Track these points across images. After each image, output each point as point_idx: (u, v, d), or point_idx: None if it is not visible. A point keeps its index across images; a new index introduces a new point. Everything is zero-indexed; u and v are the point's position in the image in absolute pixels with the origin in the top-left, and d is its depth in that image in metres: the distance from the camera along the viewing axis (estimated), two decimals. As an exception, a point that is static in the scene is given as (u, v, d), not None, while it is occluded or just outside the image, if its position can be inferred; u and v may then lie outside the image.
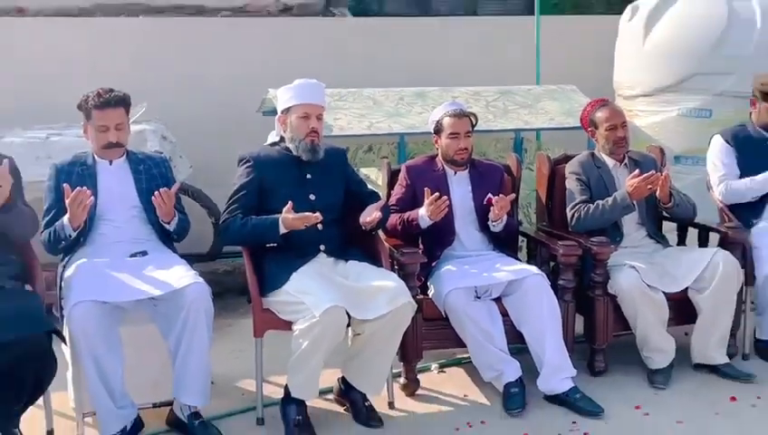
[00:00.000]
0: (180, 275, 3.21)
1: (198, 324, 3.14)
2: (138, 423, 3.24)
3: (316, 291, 3.19)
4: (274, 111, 5.23)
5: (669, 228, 4.29)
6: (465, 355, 3.97)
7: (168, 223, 3.41)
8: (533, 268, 3.66)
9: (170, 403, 3.31)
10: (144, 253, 3.37)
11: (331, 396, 3.59)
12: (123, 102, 3.41)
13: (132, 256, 3.34)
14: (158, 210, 3.34)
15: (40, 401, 3.19)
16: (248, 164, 3.53)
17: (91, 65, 5.42)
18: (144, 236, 3.43)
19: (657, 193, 3.86)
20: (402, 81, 5.30)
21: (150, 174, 3.51)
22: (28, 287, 3.26)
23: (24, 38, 5.59)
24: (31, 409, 3.18)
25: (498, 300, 3.66)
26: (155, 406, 3.37)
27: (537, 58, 5.78)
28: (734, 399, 3.59)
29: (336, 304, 3.13)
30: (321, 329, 3.11)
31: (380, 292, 3.27)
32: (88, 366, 3.07)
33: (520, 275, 3.60)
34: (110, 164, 3.45)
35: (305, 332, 3.13)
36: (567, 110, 5.01)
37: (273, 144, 3.70)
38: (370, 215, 3.44)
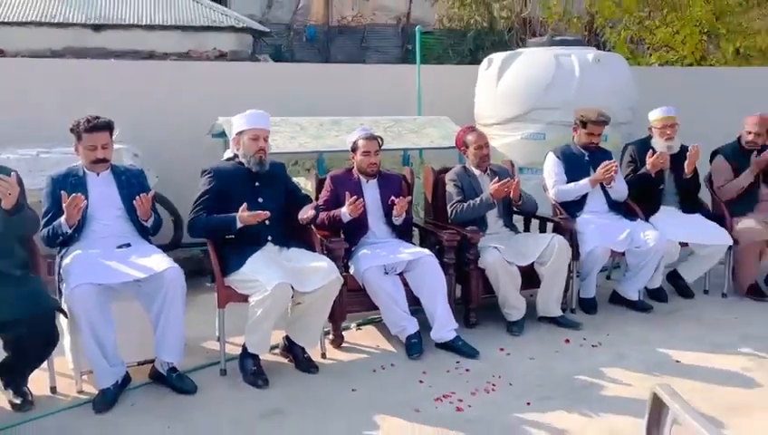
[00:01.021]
0: (159, 261, 3.14)
1: (175, 299, 3.08)
2: (126, 378, 3.14)
3: (267, 271, 3.18)
4: (221, 134, 5.22)
5: (517, 220, 4.49)
6: (377, 316, 4.04)
7: (146, 221, 3.32)
8: (426, 251, 3.74)
9: (152, 361, 3.23)
10: (128, 245, 3.26)
11: (277, 351, 3.57)
12: (108, 127, 3.29)
13: (119, 247, 3.23)
14: (139, 211, 3.25)
15: (45, 364, 3.06)
16: (209, 175, 3.48)
17: (63, 98, 5.16)
18: (127, 232, 3.32)
19: (511, 194, 4.02)
20: (314, 112, 5.29)
21: (130, 183, 3.39)
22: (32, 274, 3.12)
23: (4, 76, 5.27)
24: (37, 371, 3.05)
25: (401, 274, 3.72)
26: (140, 364, 3.28)
27: (419, 96, 5.89)
28: (567, 341, 3.80)
29: (283, 280, 3.13)
30: (272, 300, 3.11)
31: (316, 271, 3.29)
32: (86, 335, 2.96)
33: (417, 255, 3.68)
34: (98, 175, 3.33)
35: (259, 302, 3.13)
36: (443, 134, 5.12)
37: (229, 159, 3.65)
38: (306, 213, 3.46)
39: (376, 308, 3.71)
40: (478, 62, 5.87)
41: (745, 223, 4.46)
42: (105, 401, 2.99)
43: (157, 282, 3.07)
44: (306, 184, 4.42)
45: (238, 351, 3.37)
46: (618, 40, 10.30)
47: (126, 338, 3.13)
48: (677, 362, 3.53)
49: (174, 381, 3.14)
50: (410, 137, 5.04)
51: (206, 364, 3.46)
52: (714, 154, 4.82)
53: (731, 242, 4.42)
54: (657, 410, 1.83)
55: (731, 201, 4.62)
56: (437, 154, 5.26)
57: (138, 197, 3.20)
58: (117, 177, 3.38)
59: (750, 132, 4.64)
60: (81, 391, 3.14)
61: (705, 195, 4.82)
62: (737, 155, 4.67)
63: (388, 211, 3.90)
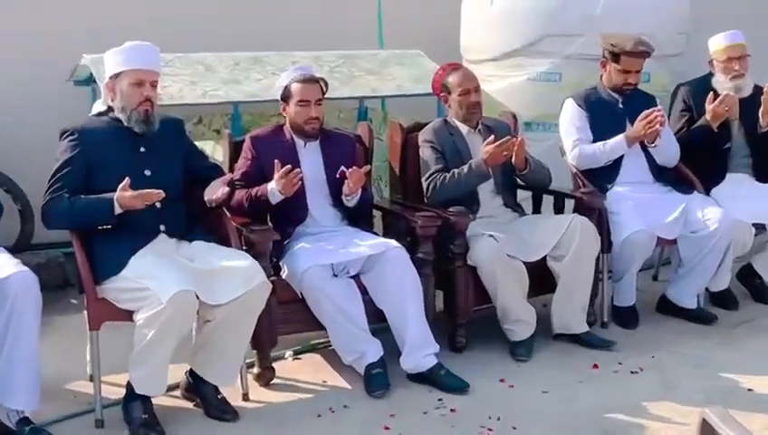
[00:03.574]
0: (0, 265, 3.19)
1: (26, 318, 3.12)
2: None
3: (160, 275, 3.24)
4: (88, 81, 5.25)
5: (523, 197, 4.63)
6: (320, 340, 4.16)
7: None
8: (392, 242, 3.84)
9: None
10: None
11: (177, 393, 3.63)
12: None
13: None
14: None
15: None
16: (72, 138, 3.50)
17: None
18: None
19: (513, 159, 4.14)
20: (231, 45, 5.33)
21: None
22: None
23: None
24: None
25: (356, 277, 3.82)
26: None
27: (379, 20, 5.99)
28: (596, 366, 3.94)
29: (184, 287, 3.19)
30: (169, 316, 3.16)
31: (231, 273, 3.36)
32: None
33: (379, 249, 3.78)
34: None
35: (151, 320, 3.18)
36: (415, 76, 5.23)
37: (100, 114, 3.69)
38: (216, 191, 3.50)
39: (320, 327, 3.81)
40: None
41: None
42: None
43: (-2, 293, 3.11)
44: (214, 150, 4.48)
45: (120, 393, 3.42)
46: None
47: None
48: (750, 390, 3.71)
49: (27, 438, 3.18)
50: (368, 80, 5.14)
51: (75, 413, 3.48)
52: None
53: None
54: (707, 443, 1.98)
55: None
56: (406, 104, 5.36)
57: None
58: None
59: None
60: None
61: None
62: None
63: (335, 187, 3.99)
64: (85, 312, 3.63)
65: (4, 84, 5.31)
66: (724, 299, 4.71)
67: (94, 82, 5.24)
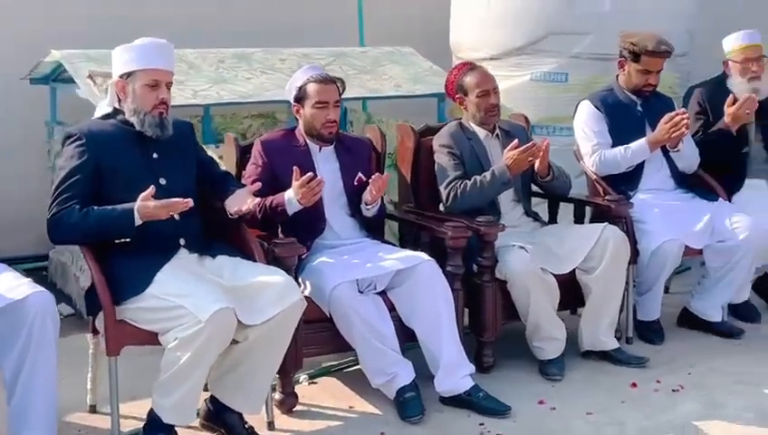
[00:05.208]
0: (13, 285, 3.16)
1: (44, 339, 3.10)
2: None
3: (195, 292, 3.25)
4: (47, 79, 5.20)
5: (534, 204, 4.75)
6: (334, 362, 4.21)
7: None
8: (424, 255, 3.91)
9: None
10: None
11: (196, 422, 3.63)
12: None
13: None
14: None
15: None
16: (79, 142, 3.47)
17: None
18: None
19: (536, 166, 4.28)
20: (208, 41, 5.36)
21: None
22: None
23: None
24: None
25: (382, 293, 3.89)
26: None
27: (360, 17, 6.06)
28: (634, 385, 4.08)
29: (224, 305, 3.20)
30: (208, 337, 3.17)
31: (267, 290, 3.37)
32: None
33: (409, 262, 3.84)
34: None
35: (187, 341, 3.17)
36: (412, 75, 5.34)
37: (106, 116, 3.67)
38: (242, 202, 3.52)
39: (346, 349, 3.86)
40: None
41: None
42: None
43: (12, 316, 3.08)
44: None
45: (129, 425, 3.43)
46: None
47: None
48: (801, 407, 3.91)
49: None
50: (363, 80, 5.21)
51: (85, 449, 3.49)
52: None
53: None
54: None
55: None
56: (391, 106, 5.44)
57: None
58: None
59: None
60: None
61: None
62: None
63: (354, 195, 4.06)
64: (88, 335, 3.67)
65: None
66: (746, 311, 4.91)
67: (54, 80, 5.22)
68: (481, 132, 4.43)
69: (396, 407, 3.79)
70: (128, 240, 3.41)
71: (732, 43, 5.05)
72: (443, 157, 4.36)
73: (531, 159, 4.20)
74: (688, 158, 4.82)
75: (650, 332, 4.65)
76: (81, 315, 3.65)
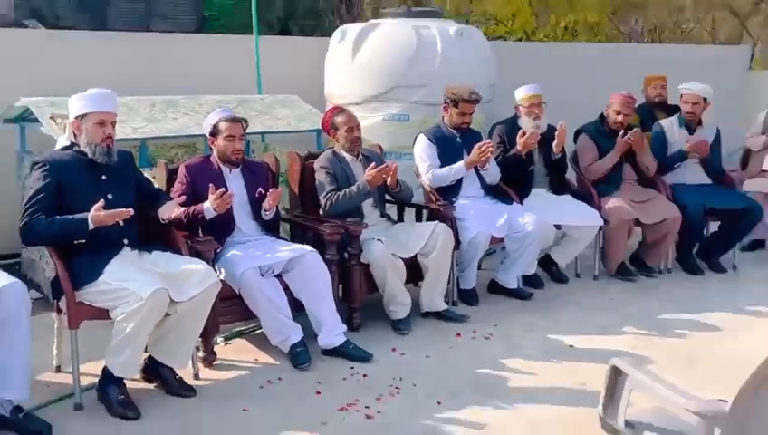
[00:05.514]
0: (-9, 277, 2.97)
1: (19, 321, 2.95)
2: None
3: (136, 277, 3.15)
4: (18, 119, 4.91)
5: (388, 208, 4.77)
6: (245, 327, 4.13)
7: None
8: (308, 247, 3.87)
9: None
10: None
11: (138, 376, 3.50)
12: None
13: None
14: None
15: None
16: (44, 168, 3.31)
17: None
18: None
19: (389, 181, 4.31)
20: (144, 90, 5.16)
21: None
22: None
23: None
24: None
25: (278, 276, 3.83)
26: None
27: (258, 71, 5.97)
28: (459, 335, 4.17)
29: (160, 286, 3.11)
30: (148, 310, 3.09)
31: (191, 275, 3.30)
32: None
33: (298, 253, 3.81)
34: None
35: (132, 314, 3.08)
36: (298, 116, 5.27)
37: (65, 148, 3.50)
38: (172, 211, 3.47)
39: (251, 317, 3.80)
40: (288, 32, 5.95)
41: (614, 202, 5.16)
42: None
43: (-7, 303, 2.90)
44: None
45: (87, 381, 3.30)
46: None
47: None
48: (571, 346, 4.05)
49: (25, 423, 2.98)
50: (262, 119, 5.12)
51: (55, 399, 3.30)
52: (577, 133, 5.50)
53: (602, 222, 5.10)
54: (612, 383, 2.22)
55: (598, 181, 5.31)
56: (283, 138, 5.39)
57: None
58: None
59: (618, 112, 5.29)
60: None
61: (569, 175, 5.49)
62: (601, 133, 5.37)
63: (255, 205, 3.99)
64: (53, 314, 3.49)
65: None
66: (534, 281, 5.04)
67: (23, 120, 4.94)
68: (348, 157, 4.43)
69: (289, 358, 3.75)
70: (83, 241, 3.26)
71: (521, 93, 5.18)
72: (321, 175, 4.33)
73: (384, 176, 4.23)
74: (493, 174, 4.93)
75: (469, 297, 4.72)
76: (48, 299, 3.44)
